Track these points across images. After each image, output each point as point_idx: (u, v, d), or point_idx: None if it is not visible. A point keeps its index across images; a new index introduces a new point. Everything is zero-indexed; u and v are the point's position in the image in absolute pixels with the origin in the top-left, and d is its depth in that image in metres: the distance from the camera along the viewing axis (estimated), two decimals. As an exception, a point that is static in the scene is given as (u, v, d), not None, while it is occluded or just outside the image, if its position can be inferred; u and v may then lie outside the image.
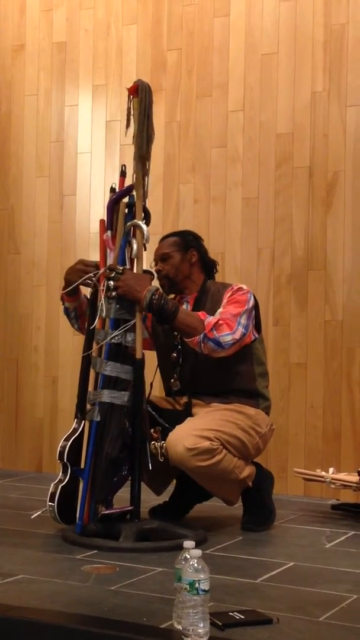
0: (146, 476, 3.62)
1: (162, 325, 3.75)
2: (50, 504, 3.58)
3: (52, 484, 3.60)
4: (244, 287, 3.78)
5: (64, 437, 3.63)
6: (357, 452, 4.51)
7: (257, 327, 3.81)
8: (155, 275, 3.77)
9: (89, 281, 3.65)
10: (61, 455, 3.59)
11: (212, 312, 3.68)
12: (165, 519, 3.66)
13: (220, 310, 3.68)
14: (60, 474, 3.61)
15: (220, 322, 3.59)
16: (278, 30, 4.78)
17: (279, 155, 4.75)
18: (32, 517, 3.73)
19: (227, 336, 3.58)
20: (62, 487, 3.56)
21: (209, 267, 3.92)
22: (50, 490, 3.58)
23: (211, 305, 3.74)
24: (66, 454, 3.58)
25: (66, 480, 3.57)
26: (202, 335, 3.56)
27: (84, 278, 3.66)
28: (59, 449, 3.61)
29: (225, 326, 3.59)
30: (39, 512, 3.72)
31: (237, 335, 3.61)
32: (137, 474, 3.50)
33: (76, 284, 3.69)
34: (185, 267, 3.84)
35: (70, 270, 3.74)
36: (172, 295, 3.85)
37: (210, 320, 3.59)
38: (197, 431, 3.48)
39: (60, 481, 3.58)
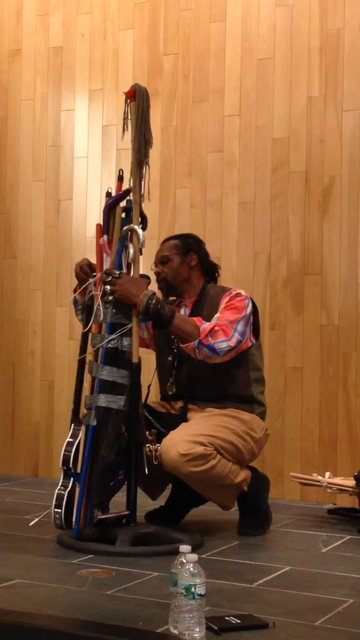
0: (142, 481, 3.61)
1: (159, 330, 3.75)
2: (57, 510, 3.55)
3: (57, 490, 3.57)
4: (243, 292, 3.78)
5: (66, 443, 3.61)
6: (353, 456, 4.51)
7: (255, 333, 3.81)
8: (152, 279, 3.77)
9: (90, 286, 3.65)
10: (66, 462, 3.58)
11: (209, 317, 3.68)
12: (161, 524, 3.66)
13: (217, 315, 3.67)
14: (62, 479, 3.59)
15: (216, 328, 3.59)
16: (274, 35, 4.79)
17: (275, 160, 4.76)
18: (30, 524, 3.72)
19: (222, 343, 3.58)
20: (69, 492, 3.55)
21: (209, 271, 3.93)
22: (56, 496, 3.56)
23: (209, 309, 3.74)
24: (72, 461, 3.57)
25: (70, 486, 3.56)
26: (197, 342, 3.56)
27: (86, 284, 3.65)
28: (62, 454, 3.60)
29: (221, 332, 3.59)
30: (36, 520, 3.71)
31: (233, 342, 3.61)
32: (133, 478, 3.49)
33: (82, 287, 3.67)
34: (184, 271, 3.84)
35: (77, 270, 3.72)
36: (172, 298, 3.85)
37: (205, 326, 3.59)
38: (190, 437, 3.48)
39: (65, 487, 3.57)
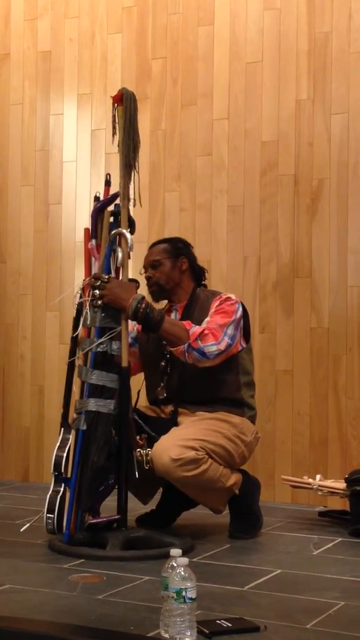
0: (132, 485, 3.61)
1: (148, 334, 3.75)
2: (49, 515, 3.53)
3: (49, 495, 3.56)
4: (233, 296, 3.78)
5: (57, 447, 3.59)
6: (343, 458, 4.51)
7: (246, 337, 3.81)
8: (141, 283, 3.76)
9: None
10: (58, 466, 3.56)
11: (200, 321, 3.68)
12: (152, 528, 3.66)
13: (207, 319, 3.67)
14: (54, 484, 3.58)
15: (206, 332, 3.59)
16: (262, 39, 4.79)
17: (264, 163, 4.77)
18: (22, 530, 3.70)
19: (212, 346, 3.58)
20: (60, 497, 3.54)
21: (198, 274, 3.92)
22: (48, 502, 3.54)
23: (200, 313, 3.74)
24: (63, 465, 3.55)
25: (62, 491, 3.54)
26: (186, 345, 3.56)
27: (68, 292, 3.64)
28: (54, 459, 3.57)
29: (211, 336, 3.59)
30: (27, 525, 3.70)
31: (223, 346, 3.61)
32: (124, 482, 3.49)
33: (62, 295, 3.67)
34: (175, 275, 3.83)
35: None
36: (164, 302, 3.85)
37: (195, 330, 3.59)
38: (182, 441, 3.47)
39: (57, 492, 3.55)
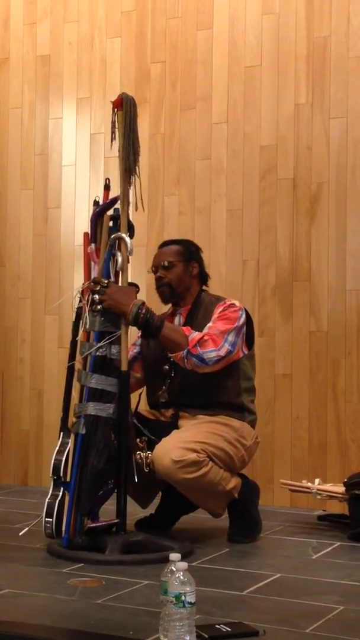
0: (132, 489, 3.61)
1: (148, 339, 3.75)
2: (47, 519, 3.53)
3: (47, 499, 3.55)
4: (237, 303, 3.77)
5: (56, 451, 3.59)
6: (342, 462, 4.51)
7: (249, 343, 3.80)
8: (140, 286, 3.76)
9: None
10: (57, 470, 3.56)
11: (203, 326, 3.67)
12: (151, 532, 3.66)
13: (209, 325, 3.67)
14: (52, 488, 3.57)
15: (206, 337, 3.59)
16: (261, 43, 4.80)
17: (263, 167, 4.77)
18: (21, 534, 3.70)
19: (211, 352, 3.58)
20: (59, 502, 3.53)
21: (205, 280, 3.92)
22: (47, 506, 3.54)
23: (203, 318, 3.73)
24: (62, 470, 3.55)
25: (61, 495, 3.54)
26: (185, 351, 3.56)
27: (67, 296, 3.64)
28: (53, 463, 3.57)
29: (211, 342, 3.59)
30: (26, 529, 3.70)
31: (223, 352, 3.61)
32: (123, 486, 3.49)
33: (62, 299, 3.68)
34: (186, 278, 3.83)
35: None
36: (169, 306, 3.84)
37: (194, 336, 3.59)
38: (183, 443, 3.48)
39: (56, 496, 3.55)
